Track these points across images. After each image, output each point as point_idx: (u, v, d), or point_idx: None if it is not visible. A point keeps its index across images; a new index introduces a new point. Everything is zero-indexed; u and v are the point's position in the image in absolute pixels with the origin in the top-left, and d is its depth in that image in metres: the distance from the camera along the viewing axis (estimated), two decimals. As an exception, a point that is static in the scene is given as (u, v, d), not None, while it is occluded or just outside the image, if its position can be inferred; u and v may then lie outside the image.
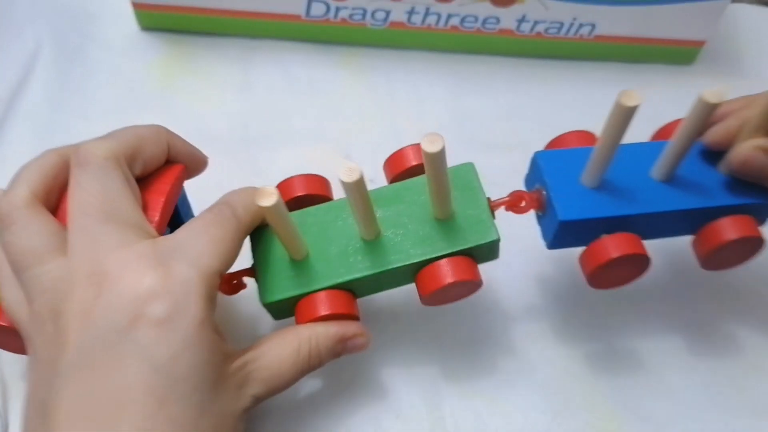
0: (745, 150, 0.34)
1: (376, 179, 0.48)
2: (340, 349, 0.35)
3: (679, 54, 0.57)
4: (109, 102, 0.51)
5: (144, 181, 0.35)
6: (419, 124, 0.52)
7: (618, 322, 0.43)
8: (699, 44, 0.56)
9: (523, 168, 0.48)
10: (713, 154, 0.36)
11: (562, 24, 0.53)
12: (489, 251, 0.36)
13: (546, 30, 0.54)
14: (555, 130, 0.52)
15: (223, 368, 0.30)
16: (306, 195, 0.37)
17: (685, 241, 0.39)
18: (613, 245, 0.34)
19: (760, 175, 0.34)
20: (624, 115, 0.31)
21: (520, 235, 0.38)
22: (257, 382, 0.32)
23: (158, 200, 0.34)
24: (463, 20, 0.53)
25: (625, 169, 0.35)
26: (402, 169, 0.36)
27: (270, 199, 0.30)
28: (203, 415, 0.29)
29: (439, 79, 0.55)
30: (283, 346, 0.33)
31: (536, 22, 0.53)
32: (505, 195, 0.38)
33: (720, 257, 0.36)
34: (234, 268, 0.34)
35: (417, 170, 0.36)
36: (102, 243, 0.29)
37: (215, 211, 0.32)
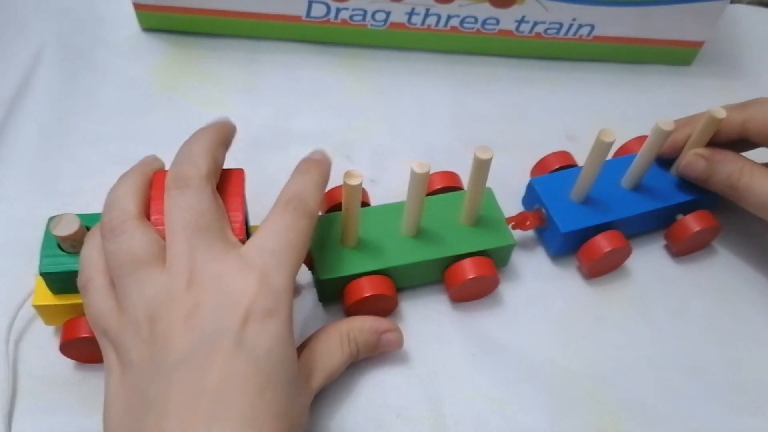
0: (687, 156, 0.44)
1: (378, 180, 0.49)
2: (375, 340, 0.39)
3: (677, 55, 0.57)
4: (112, 103, 0.51)
5: (218, 185, 0.36)
6: (420, 124, 0.53)
7: (618, 321, 0.44)
8: (698, 45, 0.57)
9: (523, 168, 0.48)
10: (666, 165, 0.46)
11: (561, 25, 0.54)
12: (505, 255, 0.43)
13: (545, 31, 0.54)
14: (554, 131, 0.53)
15: (296, 363, 0.33)
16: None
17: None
18: (605, 241, 0.43)
19: (697, 176, 0.44)
20: (604, 149, 0.40)
21: (518, 236, 0.40)
22: (316, 375, 0.36)
23: (238, 202, 0.36)
24: (462, 21, 0.53)
25: (602, 184, 0.44)
26: (432, 188, 0.45)
27: (357, 179, 0.36)
28: (292, 405, 0.32)
29: (439, 80, 0.55)
30: (329, 342, 0.37)
31: (536, 23, 0.54)
32: (505, 192, 0.44)
33: (689, 245, 0.46)
34: None
35: (439, 192, 0.44)
36: (198, 256, 0.32)
37: (291, 210, 0.35)
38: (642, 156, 0.43)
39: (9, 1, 0.56)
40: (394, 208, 0.42)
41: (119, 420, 0.31)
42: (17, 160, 0.47)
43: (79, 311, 0.37)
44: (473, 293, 0.43)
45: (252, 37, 0.56)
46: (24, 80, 0.51)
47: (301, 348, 0.36)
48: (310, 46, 0.56)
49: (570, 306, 0.44)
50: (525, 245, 0.46)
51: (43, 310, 0.37)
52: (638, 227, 0.46)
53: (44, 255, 0.36)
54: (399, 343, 0.40)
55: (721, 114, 0.41)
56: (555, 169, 0.46)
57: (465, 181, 0.45)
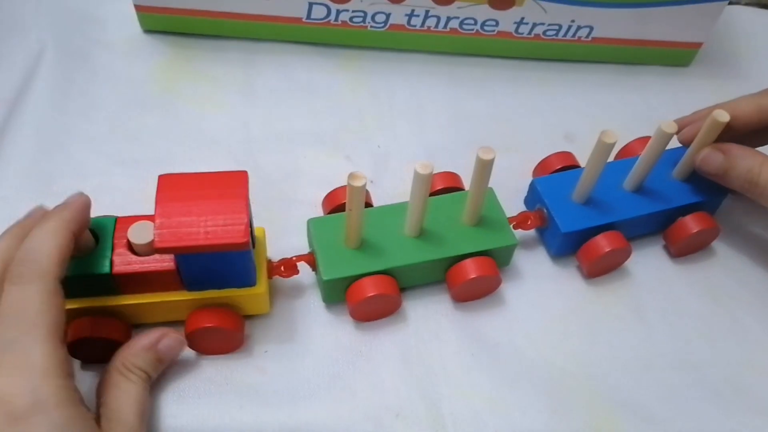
0: (704, 150, 0.43)
1: (377, 181, 0.49)
2: (154, 355, 0.37)
3: (676, 56, 0.57)
4: (111, 104, 0.51)
5: (219, 188, 0.36)
6: (418, 126, 0.53)
7: (616, 321, 0.44)
8: (696, 46, 0.57)
9: (521, 169, 0.48)
10: (668, 167, 0.46)
11: (560, 26, 0.54)
12: (506, 255, 0.44)
13: (544, 32, 0.55)
14: (553, 132, 0.53)
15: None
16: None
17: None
18: (604, 241, 0.43)
19: (715, 171, 0.42)
20: (605, 150, 0.40)
21: (519, 235, 0.40)
22: (124, 420, 0.34)
23: (241, 204, 0.35)
24: (462, 23, 0.54)
25: (604, 185, 0.44)
26: (433, 189, 0.44)
27: (360, 180, 0.36)
28: None
29: (439, 81, 0.56)
30: (120, 390, 0.35)
31: (535, 25, 0.54)
32: (502, 192, 0.44)
33: (687, 246, 0.46)
34: (292, 254, 0.41)
35: (440, 192, 0.45)
36: None
37: (13, 280, 0.32)
38: (644, 158, 0.43)
39: (9, 1, 0.56)
40: (397, 209, 0.42)
41: None
42: (16, 160, 0.47)
43: (81, 315, 0.37)
44: (475, 293, 0.43)
45: (251, 38, 0.56)
46: (24, 81, 0.51)
47: (100, 408, 0.35)
48: (309, 47, 0.56)
49: (568, 306, 0.44)
50: (526, 245, 0.46)
51: None
52: (639, 229, 0.46)
53: None
54: (179, 345, 0.38)
55: (725, 117, 0.41)
56: (557, 169, 0.46)
57: (465, 181, 0.45)
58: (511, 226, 0.43)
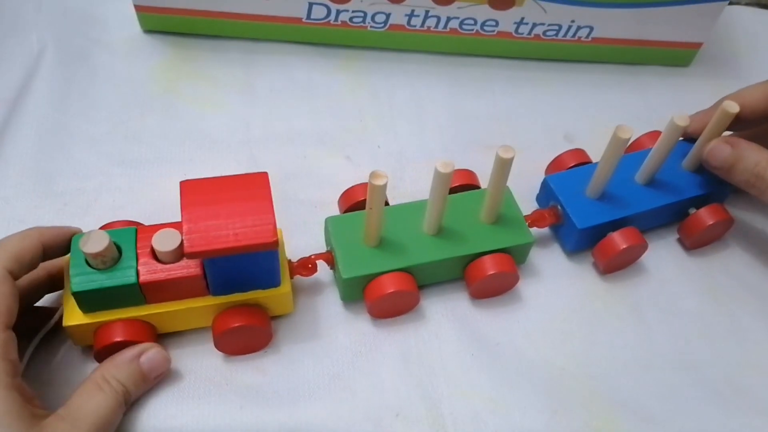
0: (712, 142, 0.43)
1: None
2: (136, 368, 0.37)
3: (676, 56, 0.57)
4: (112, 104, 0.51)
5: (242, 190, 0.36)
6: (418, 126, 0.53)
7: (616, 321, 0.44)
8: (696, 46, 0.57)
9: (522, 168, 0.48)
10: (678, 160, 0.46)
11: (560, 27, 0.54)
12: (522, 253, 0.44)
13: (544, 33, 0.55)
14: (553, 132, 0.53)
15: (33, 430, 0.32)
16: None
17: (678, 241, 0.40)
18: (620, 238, 0.43)
19: (722, 164, 0.42)
20: (620, 145, 0.40)
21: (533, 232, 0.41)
22: (81, 427, 0.34)
23: (267, 205, 0.35)
24: (462, 23, 0.54)
25: (616, 179, 0.44)
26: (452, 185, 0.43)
27: (382, 179, 0.36)
28: None
29: (439, 82, 0.56)
30: (89, 397, 0.35)
31: (535, 25, 0.54)
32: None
33: (702, 238, 0.46)
34: (310, 253, 0.41)
35: (456, 190, 0.44)
36: None
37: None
38: (656, 151, 0.43)
39: (9, 1, 0.56)
40: (415, 207, 0.43)
41: None
42: (17, 161, 0.47)
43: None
44: (493, 290, 0.43)
45: (251, 38, 0.56)
46: (24, 81, 0.51)
47: (60, 409, 0.34)
48: (309, 47, 0.56)
49: (569, 306, 0.44)
50: (539, 242, 0.47)
51: (74, 330, 0.37)
52: (652, 222, 0.46)
53: (75, 274, 0.35)
54: (163, 360, 0.38)
55: (734, 108, 0.41)
56: (570, 167, 0.46)
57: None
58: (527, 223, 0.44)
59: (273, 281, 0.38)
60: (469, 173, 0.45)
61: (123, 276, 0.36)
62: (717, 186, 0.45)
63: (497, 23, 0.54)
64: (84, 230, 0.40)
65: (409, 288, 0.40)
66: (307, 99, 0.54)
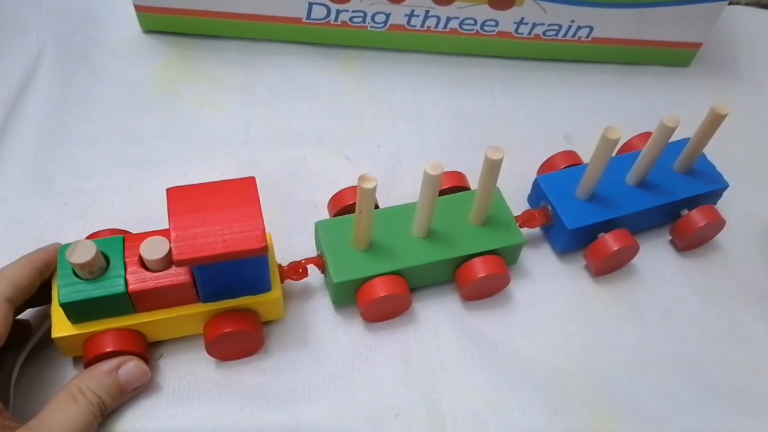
0: None
1: (377, 181, 0.49)
2: (113, 381, 0.36)
3: (675, 56, 0.57)
4: (111, 104, 0.51)
5: (230, 196, 0.36)
6: (418, 126, 0.53)
7: (615, 321, 0.44)
8: (696, 46, 0.57)
9: (522, 168, 0.48)
10: (668, 161, 0.46)
11: (560, 27, 0.54)
12: (513, 254, 0.44)
13: (544, 33, 0.55)
14: (553, 132, 0.53)
15: None
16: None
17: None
18: (612, 240, 0.43)
19: None
20: (609, 146, 0.40)
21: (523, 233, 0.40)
22: None
23: (255, 210, 0.35)
24: (462, 23, 0.54)
25: (607, 181, 0.44)
26: (442, 187, 0.44)
27: (371, 183, 0.36)
28: None
29: (438, 82, 0.56)
30: (61, 408, 0.34)
31: (535, 25, 0.54)
32: (504, 192, 0.44)
33: (694, 239, 0.46)
34: (310, 253, 0.42)
35: (446, 192, 0.45)
36: None
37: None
38: (647, 152, 0.43)
39: (9, 2, 0.56)
40: (404, 210, 0.42)
41: None
42: (16, 161, 0.47)
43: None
44: (484, 292, 0.43)
45: (251, 38, 0.56)
46: (24, 81, 0.51)
47: (32, 421, 0.34)
48: (308, 47, 0.56)
49: (569, 306, 0.44)
50: (530, 242, 0.47)
51: (63, 342, 0.37)
52: (644, 223, 0.46)
53: (62, 285, 0.35)
54: (142, 373, 0.37)
55: (725, 110, 0.41)
56: (562, 168, 0.46)
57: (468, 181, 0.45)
58: (518, 224, 0.44)
59: (263, 286, 0.38)
60: (459, 175, 0.45)
61: (111, 285, 0.35)
62: (708, 187, 0.46)
63: (497, 23, 0.54)
64: (84, 231, 0.40)
65: (401, 291, 0.40)
66: (307, 99, 0.54)
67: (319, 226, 0.42)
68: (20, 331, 0.38)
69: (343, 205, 0.43)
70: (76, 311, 0.36)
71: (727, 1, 0.52)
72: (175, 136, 0.50)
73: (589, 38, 0.55)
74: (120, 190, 0.47)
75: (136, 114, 0.51)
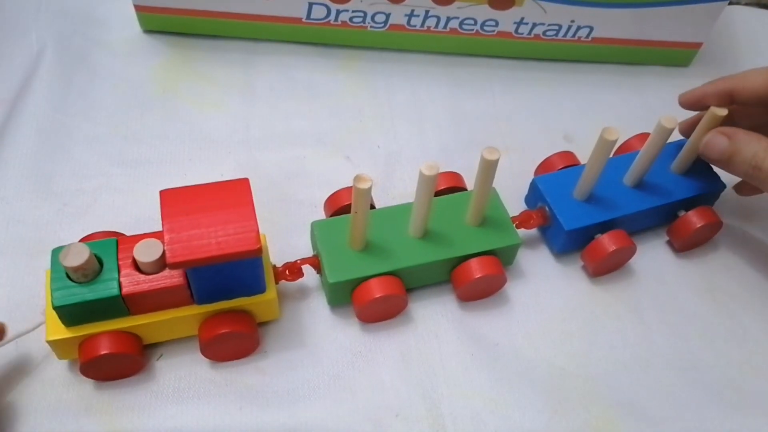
0: (708, 135, 0.42)
1: (377, 181, 0.49)
2: None
3: (675, 56, 0.58)
4: (111, 104, 0.51)
5: (223, 197, 0.36)
6: (418, 126, 0.53)
7: (615, 322, 0.44)
8: (696, 46, 0.57)
9: (522, 168, 0.48)
10: (667, 162, 0.46)
11: (560, 27, 0.54)
12: (510, 254, 0.44)
13: (544, 33, 0.55)
14: (552, 132, 0.53)
15: None
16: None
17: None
18: (608, 241, 0.43)
19: (719, 156, 0.42)
20: (607, 147, 0.40)
21: (521, 233, 0.41)
22: None
23: (249, 211, 0.35)
24: (462, 23, 0.54)
25: (604, 181, 0.44)
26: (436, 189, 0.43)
27: (366, 183, 0.36)
28: None
29: (438, 82, 0.56)
30: None
31: (534, 25, 0.54)
32: (502, 192, 0.44)
33: (691, 240, 0.46)
34: (293, 254, 0.41)
35: (443, 192, 0.45)
36: None
37: None
38: (644, 153, 0.43)
39: (9, 2, 0.56)
40: (400, 210, 0.42)
41: None
42: (16, 161, 0.47)
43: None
44: (480, 292, 0.43)
45: (251, 38, 0.56)
46: (24, 81, 0.51)
47: None
48: (308, 47, 0.56)
49: (569, 306, 0.44)
50: (527, 243, 0.46)
51: (57, 345, 0.37)
52: (641, 224, 0.46)
53: (56, 288, 0.35)
54: None
55: (723, 112, 0.41)
56: (559, 169, 0.46)
57: (466, 181, 0.45)
58: (515, 225, 0.44)
59: (258, 288, 0.38)
60: (456, 176, 0.45)
61: (105, 288, 0.35)
62: (706, 188, 0.46)
63: (497, 23, 0.54)
64: (84, 231, 0.40)
65: (397, 291, 0.40)
66: (306, 99, 0.54)
67: (314, 226, 0.42)
68: None
69: (339, 206, 0.43)
70: (70, 314, 0.35)
71: (727, 1, 0.52)
72: (175, 136, 0.50)
73: (589, 38, 0.55)
74: (120, 190, 0.47)
75: (136, 114, 0.51)
